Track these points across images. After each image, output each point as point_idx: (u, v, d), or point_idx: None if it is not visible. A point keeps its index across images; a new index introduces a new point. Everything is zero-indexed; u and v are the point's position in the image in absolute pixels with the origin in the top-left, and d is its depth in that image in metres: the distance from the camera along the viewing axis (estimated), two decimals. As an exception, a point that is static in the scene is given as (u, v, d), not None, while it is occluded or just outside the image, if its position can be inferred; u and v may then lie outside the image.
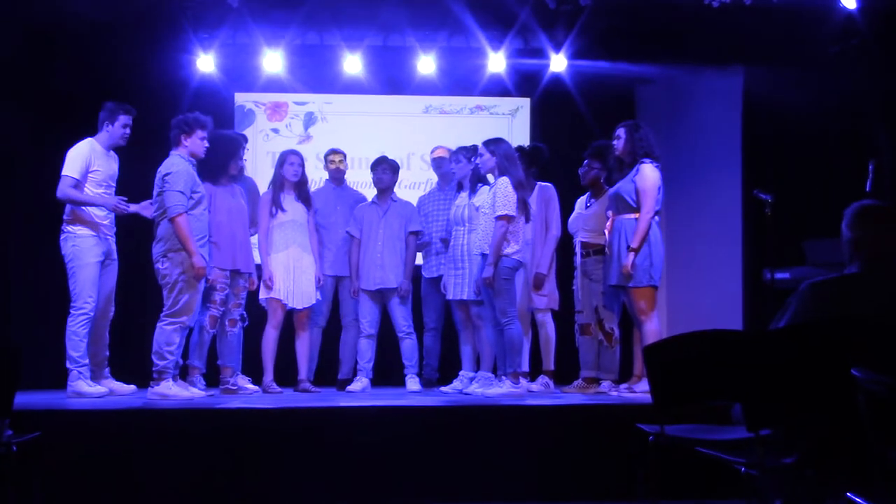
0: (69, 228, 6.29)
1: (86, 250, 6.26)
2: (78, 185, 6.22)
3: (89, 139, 6.38)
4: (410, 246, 7.20)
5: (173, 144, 6.17)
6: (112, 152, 6.48)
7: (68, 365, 6.17)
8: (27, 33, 7.47)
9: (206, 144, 6.23)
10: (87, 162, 6.27)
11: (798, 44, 7.32)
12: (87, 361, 6.22)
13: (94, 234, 6.31)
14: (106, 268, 6.40)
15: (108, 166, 6.40)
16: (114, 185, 6.48)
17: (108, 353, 6.48)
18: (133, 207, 6.41)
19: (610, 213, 6.34)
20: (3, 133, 7.59)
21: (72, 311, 6.22)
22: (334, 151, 7.48)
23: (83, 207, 6.27)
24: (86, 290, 6.21)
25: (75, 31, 7.53)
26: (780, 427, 3.37)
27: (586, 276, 6.81)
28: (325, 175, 7.60)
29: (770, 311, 3.89)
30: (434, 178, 7.72)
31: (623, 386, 6.44)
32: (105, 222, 6.40)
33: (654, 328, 6.05)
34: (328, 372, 7.39)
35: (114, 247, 6.50)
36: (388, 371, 7.47)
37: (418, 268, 7.39)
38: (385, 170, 7.25)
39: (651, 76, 8.45)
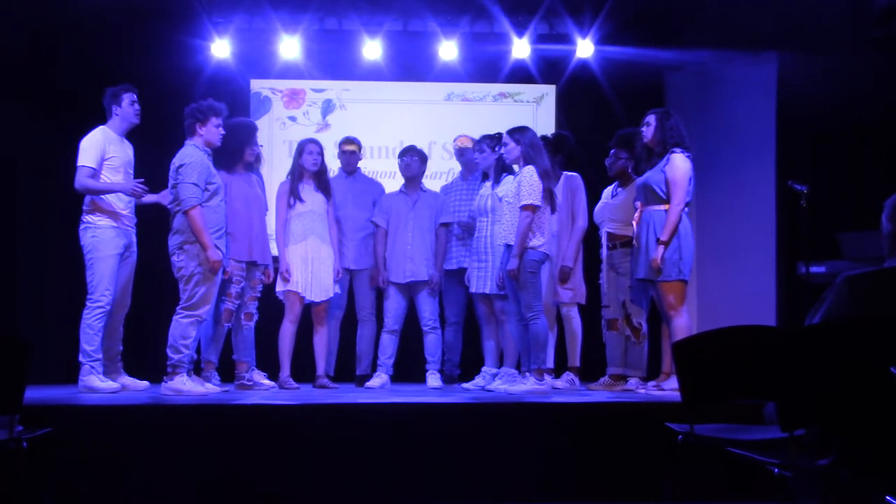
0: (89, 219, 6.29)
1: (106, 242, 6.27)
2: (95, 174, 6.23)
3: (101, 127, 6.39)
4: (441, 238, 7.18)
5: (187, 134, 6.18)
6: (126, 139, 6.50)
7: (81, 359, 6.19)
8: (35, 23, 7.50)
9: (222, 132, 6.23)
10: (102, 150, 6.28)
11: (836, 29, 7.25)
12: (100, 356, 6.23)
13: (114, 224, 6.31)
14: (125, 260, 6.41)
15: (123, 152, 6.41)
16: (131, 171, 6.48)
17: (121, 348, 6.50)
18: (152, 197, 6.40)
19: (638, 203, 6.30)
20: (12, 125, 7.65)
21: (88, 303, 6.23)
22: (349, 140, 7.46)
23: (103, 197, 6.28)
24: (103, 282, 6.23)
25: (85, 18, 7.57)
26: (815, 427, 3.34)
27: (613, 269, 6.78)
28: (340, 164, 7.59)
29: (805, 306, 3.85)
30: (456, 167, 7.71)
31: (651, 383, 6.41)
32: (126, 213, 6.39)
33: (683, 323, 6.01)
34: (347, 367, 7.40)
35: (134, 239, 6.50)
36: (407, 367, 7.47)
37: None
38: (413, 157, 7.24)
39: (681, 63, 8.42)
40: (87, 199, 6.31)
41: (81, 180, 6.21)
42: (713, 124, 8.33)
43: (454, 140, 7.57)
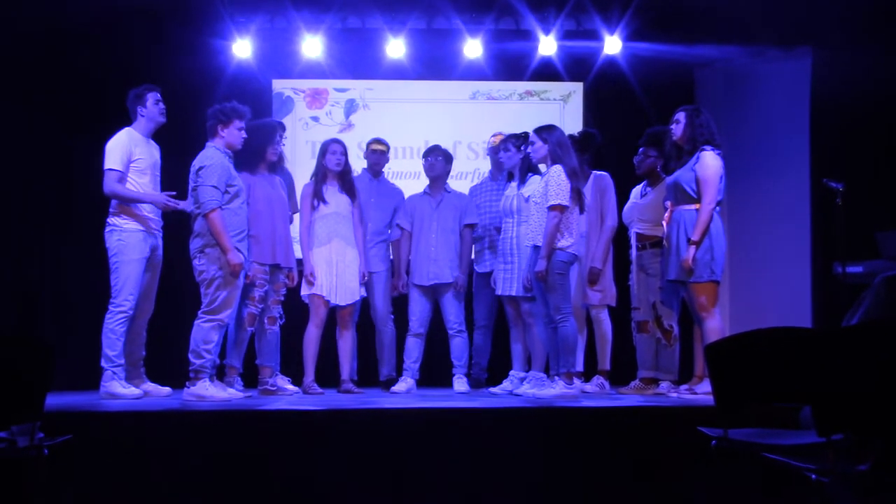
0: (115, 221, 6.31)
1: (132, 246, 6.28)
2: (122, 177, 6.26)
3: (127, 129, 6.41)
4: (465, 239, 7.17)
5: (209, 135, 6.20)
6: (152, 140, 6.52)
7: (103, 364, 6.21)
8: (54, 25, 7.54)
9: (244, 136, 6.24)
10: (128, 152, 6.30)
11: (872, 22, 7.18)
12: (122, 361, 6.25)
13: (141, 228, 6.32)
14: (150, 264, 6.42)
15: (149, 154, 6.44)
16: (158, 174, 6.51)
17: (144, 353, 6.52)
18: (181, 204, 6.38)
19: (668, 203, 6.27)
20: (33, 129, 7.70)
21: (110, 307, 6.25)
22: (378, 140, 7.46)
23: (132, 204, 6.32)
24: (127, 287, 6.24)
25: (104, 19, 7.60)
26: (853, 431, 3.30)
27: (643, 271, 6.75)
28: (365, 164, 7.58)
29: (841, 307, 3.81)
30: (482, 167, 7.70)
31: (683, 387, 6.38)
32: (152, 216, 6.41)
33: (716, 325, 5.98)
34: (372, 372, 7.40)
35: (160, 242, 6.52)
36: (434, 371, 7.46)
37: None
38: (438, 157, 7.23)
39: (711, 58, 8.37)
40: (114, 201, 6.33)
41: (110, 185, 6.23)
42: (745, 121, 8.29)
43: (490, 137, 7.53)
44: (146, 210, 6.37)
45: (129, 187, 6.29)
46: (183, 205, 6.37)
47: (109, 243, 6.31)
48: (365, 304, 7.30)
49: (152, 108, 6.43)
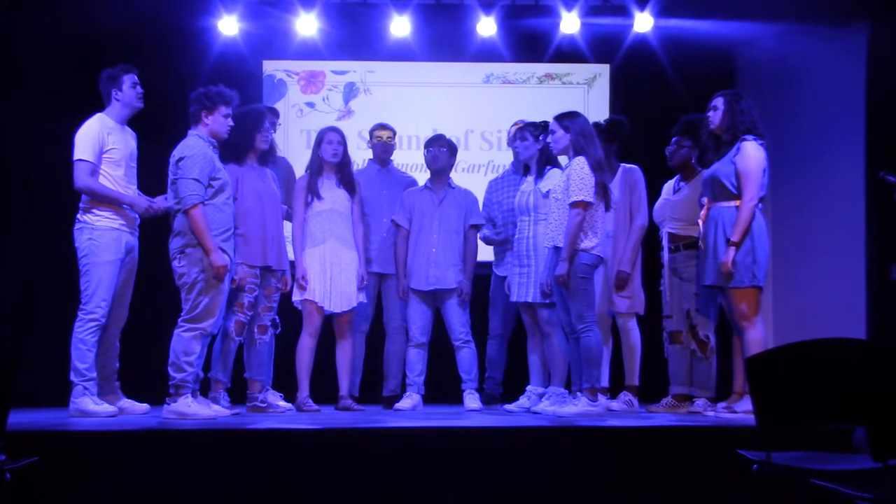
0: (85, 218, 6.29)
1: (104, 245, 6.27)
2: (95, 170, 6.26)
3: (99, 115, 6.41)
4: (471, 241, 7.17)
5: (192, 122, 6.19)
6: (127, 127, 6.52)
7: (72, 378, 6.20)
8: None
9: (231, 124, 6.24)
10: (100, 141, 6.29)
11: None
12: (94, 375, 6.24)
13: (115, 226, 6.32)
14: (125, 266, 6.41)
15: (124, 143, 6.43)
16: (135, 164, 6.51)
17: (118, 366, 6.52)
18: (164, 204, 6.35)
19: (705, 199, 6.26)
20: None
21: (80, 315, 6.24)
22: (382, 126, 7.47)
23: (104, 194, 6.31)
24: (99, 292, 6.23)
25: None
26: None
27: (675, 275, 6.74)
28: (368, 155, 7.58)
29: (900, 315, 3.80)
30: (497, 159, 7.69)
31: (721, 405, 6.37)
32: (128, 212, 6.41)
33: (758, 336, 5.96)
34: (374, 387, 7.40)
35: (137, 242, 6.51)
36: (442, 386, 7.47)
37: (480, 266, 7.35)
38: (441, 147, 7.20)
39: (754, 37, 8.34)
40: (85, 196, 6.32)
41: (82, 178, 6.23)
42: (791, 107, 8.29)
43: (511, 126, 7.50)
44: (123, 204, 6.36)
45: (103, 181, 6.28)
46: (160, 201, 6.36)
47: (79, 242, 6.30)
48: (378, 310, 7.31)
49: (129, 91, 6.42)
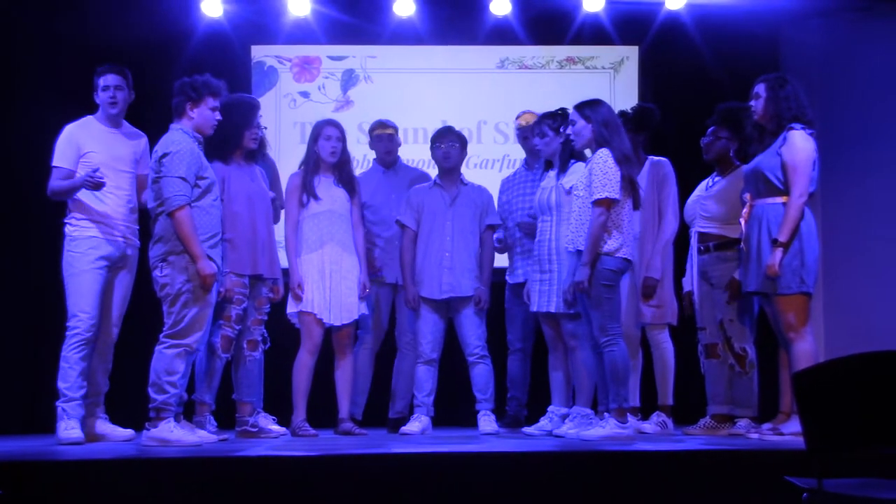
0: (67, 229, 6.43)
1: (79, 255, 6.35)
2: (70, 175, 6.37)
3: (85, 118, 6.55)
4: (487, 243, 7.16)
5: (175, 115, 6.20)
6: (130, 130, 6.65)
7: (58, 402, 6.28)
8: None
9: (218, 117, 6.25)
10: (74, 145, 6.41)
11: None
12: (76, 395, 6.28)
13: (96, 234, 6.39)
14: (114, 277, 6.47)
15: (109, 147, 6.49)
16: (130, 168, 6.55)
17: (103, 387, 6.56)
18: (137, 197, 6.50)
19: (747, 196, 6.24)
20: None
21: (66, 331, 6.33)
22: (382, 124, 7.47)
23: (81, 198, 6.36)
24: (80, 303, 6.31)
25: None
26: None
27: (705, 280, 6.73)
28: (368, 150, 7.57)
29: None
30: (513, 153, 7.68)
31: (766, 426, 6.36)
32: (119, 218, 6.45)
33: (807, 348, 5.95)
34: (380, 408, 7.41)
35: (130, 251, 6.55)
36: (457, 407, 7.46)
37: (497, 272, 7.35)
38: (453, 143, 7.19)
39: (802, 14, 8.33)
40: (70, 203, 6.42)
41: (51, 184, 6.40)
42: (844, 93, 8.28)
43: (516, 118, 7.52)
44: (108, 209, 6.41)
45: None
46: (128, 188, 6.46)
47: (64, 253, 6.42)
48: (391, 323, 7.32)
49: (101, 94, 6.57)
